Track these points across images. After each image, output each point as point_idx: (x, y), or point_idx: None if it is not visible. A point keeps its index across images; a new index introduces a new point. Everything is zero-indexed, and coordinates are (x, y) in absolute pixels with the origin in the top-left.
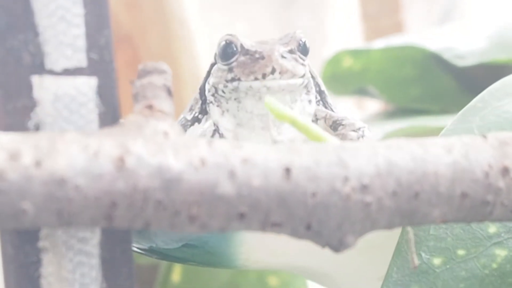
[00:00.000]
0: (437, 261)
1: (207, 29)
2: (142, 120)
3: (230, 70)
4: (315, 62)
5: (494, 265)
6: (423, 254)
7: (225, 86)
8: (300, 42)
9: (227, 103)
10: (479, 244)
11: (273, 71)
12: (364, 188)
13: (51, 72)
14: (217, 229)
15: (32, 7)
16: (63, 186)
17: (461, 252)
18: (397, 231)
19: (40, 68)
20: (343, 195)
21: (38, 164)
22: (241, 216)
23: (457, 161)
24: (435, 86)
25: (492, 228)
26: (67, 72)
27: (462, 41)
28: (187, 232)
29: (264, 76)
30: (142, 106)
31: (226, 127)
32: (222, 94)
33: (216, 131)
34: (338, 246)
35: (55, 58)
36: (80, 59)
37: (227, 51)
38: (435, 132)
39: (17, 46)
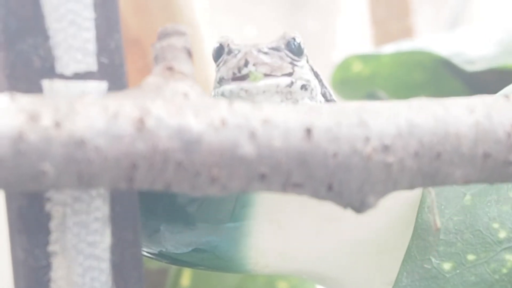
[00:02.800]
0: (447, 266)
1: (216, 32)
2: (162, 82)
3: (218, 70)
4: (324, 67)
5: (504, 270)
6: (433, 259)
7: (217, 91)
8: (291, 41)
9: None
10: (489, 249)
11: (246, 63)
12: (385, 148)
13: (62, 76)
14: (238, 190)
15: (42, 10)
16: (82, 147)
17: (471, 257)
18: (408, 235)
19: (51, 72)
20: (364, 155)
21: (57, 125)
22: (262, 177)
23: (479, 122)
24: (444, 91)
25: (502, 233)
26: (78, 76)
27: (471, 46)
28: (206, 194)
29: (239, 69)
30: (161, 67)
31: None
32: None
33: None
34: (359, 206)
35: (65, 62)
36: (90, 63)
37: (219, 53)
38: None
39: (27, 50)
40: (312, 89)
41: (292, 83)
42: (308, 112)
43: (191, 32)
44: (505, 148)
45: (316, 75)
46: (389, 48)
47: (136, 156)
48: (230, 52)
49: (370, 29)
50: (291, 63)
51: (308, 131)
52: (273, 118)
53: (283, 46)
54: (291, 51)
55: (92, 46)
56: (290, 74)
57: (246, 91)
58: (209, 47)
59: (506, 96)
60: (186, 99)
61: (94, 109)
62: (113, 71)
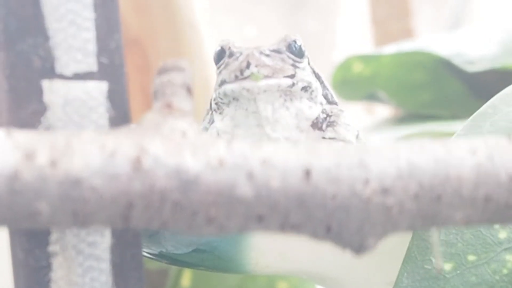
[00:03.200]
0: (447, 266)
1: (217, 32)
2: (160, 119)
3: (220, 73)
4: (325, 67)
5: (505, 271)
6: (433, 260)
7: (219, 93)
8: (292, 43)
9: (227, 107)
10: (489, 250)
11: (248, 65)
12: (385, 190)
13: (62, 77)
14: (235, 231)
15: (42, 11)
16: (78, 186)
17: (471, 257)
18: (408, 236)
19: (51, 72)
20: (363, 197)
21: (53, 164)
22: (260, 218)
23: (481, 164)
24: (445, 91)
25: (502, 234)
26: (78, 76)
27: (472, 46)
28: (202, 235)
29: (241, 72)
30: (160, 104)
31: (224, 130)
32: (220, 100)
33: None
34: (358, 248)
35: (65, 62)
36: (90, 63)
37: (221, 56)
38: (445, 137)
39: (27, 50)
40: (312, 91)
41: (293, 84)
42: (308, 152)
43: (190, 32)
44: (507, 191)
45: (318, 76)
46: (390, 49)
47: (133, 196)
48: (231, 55)
49: (371, 29)
50: (292, 65)
51: (307, 172)
52: (272, 158)
53: (284, 49)
54: (292, 53)
55: (92, 46)
56: (291, 76)
57: (247, 90)
58: (209, 47)
59: (509, 138)
60: (184, 137)
61: (91, 147)
62: (113, 71)
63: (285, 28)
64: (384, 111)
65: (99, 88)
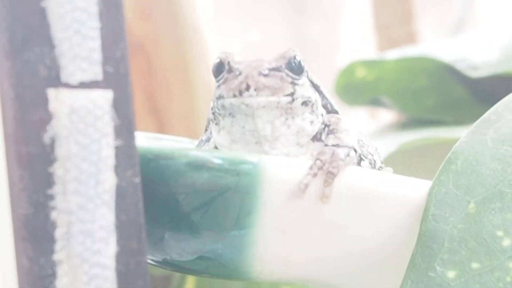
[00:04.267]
0: (451, 274)
1: (221, 36)
2: None
3: (218, 87)
4: (328, 71)
5: (508, 279)
6: (437, 267)
7: (216, 104)
8: (292, 60)
9: (223, 119)
10: (493, 258)
11: (247, 88)
12: None
13: (67, 85)
14: None
15: (48, 20)
16: None
17: (475, 265)
18: (412, 244)
19: (56, 81)
20: None
21: None
22: None
23: None
24: (448, 96)
25: (506, 242)
26: (83, 85)
27: (475, 52)
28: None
29: (240, 92)
30: None
31: (222, 144)
32: (217, 111)
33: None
34: None
35: (71, 71)
36: (95, 72)
37: (220, 69)
38: (449, 143)
39: (33, 59)
40: (312, 104)
41: (293, 100)
42: None
43: (194, 37)
44: None
45: (317, 87)
46: (393, 54)
47: None
48: (230, 70)
49: (374, 34)
50: (291, 82)
51: None
52: None
53: (283, 66)
54: (291, 70)
55: (97, 55)
56: (291, 94)
57: (246, 105)
58: (213, 51)
59: None
60: None
61: None
62: (118, 80)
63: (289, 32)
64: (387, 116)
65: (104, 97)
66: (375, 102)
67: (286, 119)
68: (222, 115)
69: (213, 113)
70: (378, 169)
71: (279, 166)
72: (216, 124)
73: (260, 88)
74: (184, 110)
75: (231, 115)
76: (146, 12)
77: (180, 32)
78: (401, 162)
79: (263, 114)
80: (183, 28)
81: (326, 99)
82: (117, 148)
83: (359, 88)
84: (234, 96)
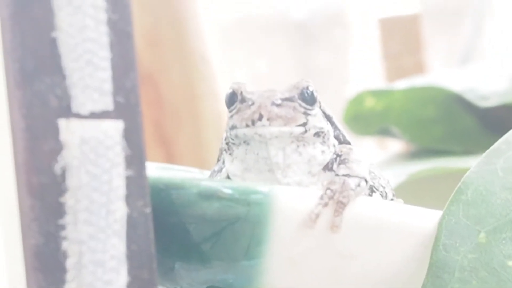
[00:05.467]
0: None
1: (229, 66)
2: None
3: (231, 117)
4: (337, 101)
5: None
6: None
7: (230, 134)
8: (305, 90)
9: (237, 149)
10: (503, 287)
11: (260, 117)
12: None
13: (78, 116)
14: None
15: (59, 50)
16: None
17: None
18: (422, 273)
19: (67, 111)
20: None
21: None
22: None
23: None
24: (457, 126)
25: None
26: (94, 115)
27: (484, 81)
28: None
29: (253, 122)
30: None
31: (235, 173)
32: (231, 141)
33: (227, 178)
34: None
35: (81, 102)
36: (106, 103)
37: (232, 99)
38: (458, 173)
39: (44, 89)
40: (324, 135)
41: (305, 131)
42: None
43: (202, 66)
44: None
45: (329, 118)
46: (402, 84)
47: None
48: (243, 100)
49: (382, 64)
50: (304, 113)
51: None
52: None
53: (296, 96)
54: (304, 100)
55: (108, 86)
56: (304, 124)
57: (260, 135)
58: (221, 81)
59: None
60: None
61: None
62: (129, 110)
63: (297, 62)
64: (396, 146)
65: (115, 127)
66: (384, 132)
67: (298, 146)
68: (236, 145)
69: (227, 143)
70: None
71: (290, 196)
72: (229, 154)
73: (273, 118)
74: (192, 140)
75: (246, 142)
76: (155, 42)
77: (188, 62)
78: (410, 192)
79: (275, 144)
80: (191, 58)
81: (338, 130)
82: (128, 178)
83: (368, 118)
84: (247, 126)
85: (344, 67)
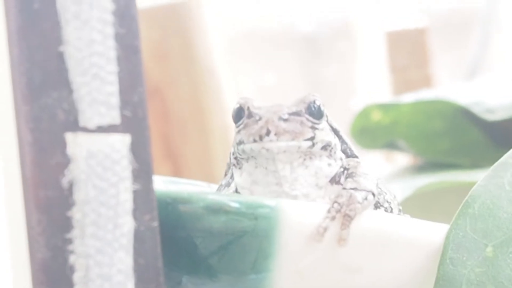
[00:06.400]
0: None
1: (236, 79)
2: None
3: (238, 132)
4: (344, 114)
5: None
6: None
7: (237, 149)
8: (312, 104)
9: (246, 163)
10: None
11: (268, 133)
12: None
13: (85, 130)
14: None
15: (66, 64)
16: None
17: None
18: (431, 280)
19: (74, 125)
20: None
21: None
22: None
23: None
24: (465, 140)
25: None
26: (101, 129)
27: (491, 95)
28: None
29: (260, 137)
30: None
31: (243, 186)
32: (239, 156)
33: (236, 191)
34: None
35: (89, 116)
36: (113, 117)
37: (239, 115)
38: (465, 187)
39: (51, 103)
40: (331, 148)
41: (313, 145)
42: None
43: (210, 80)
44: None
45: (336, 132)
46: (409, 97)
47: None
48: (250, 116)
49: (389, 77)
50: (311, 127)
51: None
52: None
53: (303, 111)
54: (311, 114)
55: (115, 100)
56: (311, 138)
57: (267, 150)
58: (229, 94)
59: None
60: None
61: None
62: (136, 124)
63: (304, 75)
64: (403, 159)
65: (122, 141)
66: (391, 145)
67: (304, 159)
68: (245, 159)
69: (235, 158)
70: None
71: (297, 210)
72: (239, 168)
73: (280, 133)
74: (200, 153)
75: (253, 157)
76: (162, 56)
77: (196, 75)
78: (417, 205)
79: (283, 158)
80: (198, 72)
81: (346, 143)
82: (135, 192)
83: (375, 131)
84: (255, 141)
85: (351, 80)
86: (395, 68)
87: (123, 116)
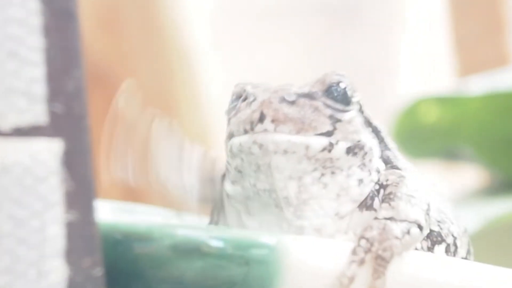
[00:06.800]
0: None
1: (222, 63)
2: None
3: (229, 123)
4: (381, 109)
5: None
6: None
7: (227, 150)
8: (334, 87)
9: (239, 172)
10: None
11: (261, 118)
12: None
13: None
14: None
15: None
16: None
17: None
18: None
19: None
20: None
21: None
22: None
23: None
24: None
25: None
26: (19, 132)
27: None
28: None
29: (252, 125)
30: None
31: (235, 198)
32: (228, 163)
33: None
34: None
35: (1, 112)
36: (38, 114)
37: (236, 105)
38: None
39: None
40: (365, 153)
41: (331, 145)
42: None
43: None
44: None
45: (376, 131)
46: (479, 85)
47: None
48: (245, 98)
49: (451, 55)
50: (331, 117)
51: None
52: None
53: (320, 93)
54: (333, 99)
55: (41, 89)
56: (329, 133)
57: (260, 145)
58: (210, 85)
59: None
60: None
61: None
62: (71, 125)
63: (325, 50)
64: (469, 175)
65: (50, 149)
66: (451, 154)
67: (322, 174)
68: (237, 169)
69: (227, 168)
70: None
71: (307, 250)
72: (231, 182)
73: (279, 119)
74: None
75: (245, 161)
76: (112, 26)
77: (160, 56)
78: (490, 243)
79: (283, 165)
80: (164, 51)
81: (388, 149)
82: (69, 225)
83: (429, 134)
84: (245, 131)
85: (394, 59)
86: (460, 42)
87: (51, 113)
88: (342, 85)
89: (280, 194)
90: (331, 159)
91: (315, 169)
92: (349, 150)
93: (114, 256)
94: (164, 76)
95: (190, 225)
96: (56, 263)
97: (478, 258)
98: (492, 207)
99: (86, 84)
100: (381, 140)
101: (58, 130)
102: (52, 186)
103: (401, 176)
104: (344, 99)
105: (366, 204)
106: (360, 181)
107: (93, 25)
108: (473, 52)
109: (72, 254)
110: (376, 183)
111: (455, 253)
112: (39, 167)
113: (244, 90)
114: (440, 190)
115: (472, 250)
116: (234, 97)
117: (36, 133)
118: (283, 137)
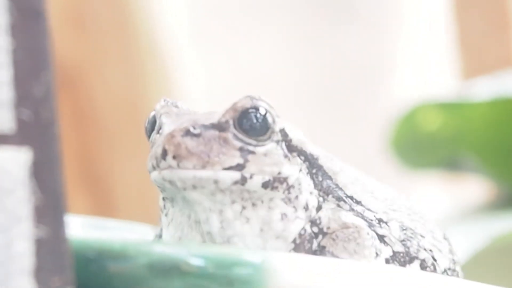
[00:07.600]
0: None
1: (200, 60)
2: None
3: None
4: (373, 114)
5: None
6: None
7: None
8: (247, 114)
9: (171, 207)
10: None
11: (163, 154)
12: None
13: None
14: None
15: None
16: None
17: None
18: None
19: None
20: None
21: None
22: None
23: None
24: None
25: None
26: None
27: None
28: None
29: (157, 161)
30: None
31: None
32: (162, 195)
33: None
34: None
35: None
36: (3, 120)
37: (153, 128)
38: None
39: None
40: (289, 187)
41: (244, 178)
42: None
43: (154, 63)
44: None
45: (310, 159)
46: (484, 89)
47: None
48: (160, 127)
49: (454, 54)
50: (241, 149)
51: None
52: None
53: (231, 123)
54: (244, 129)
55: (6, 93)
56: (240, 167)
57: (169, 182)
58: (188, 84)
59: None
60: None
61: None
62: (40, 132)
63: (314, 48)
64: (473, 187)
65: (17, 159)
66: (453, 165)
67: (243, 207)
68: (169, 200)
69: (163, 197)
70: (444, 273)
71: (296, 270)
72: (165, 215)
73: (181, 155)
74: (139, 176)
75: (169, 196)
76: (83, 25)
77: (133, 54)
78: (495, 262)
79: (199, 198)
80: (137, 49)
81: (329, 177)
82: (38, 242)
83: (429, 143)
84: (153, 168)
85: (389, 58)
86: (463, 40)
87: (18, 120)
88: (260, 112)
89: (204, 228)
90: (248, 191)
91: (233, 201)
92: (267, 184)
93: (86, 275)
94: (136, 76)
95: (168, 242)
96: (23, 282)
97: (483, 278)
98: (498, 222)
99: (55, 88)
100: (318, 168)
101: (26, 138)
102: (20, 199)
103: (345, 226)
104: (260, 128)
105: (304, 248)
106: (284, 215)
107: (61, 23)
108: (477, 52)
109: (41, 273)
110: (316, 225)
111: (434, 265)
112: (5, 179)
113: (160, 116)
114: (412, 202)
115: (457, 259)
116: (151, 115)
117: (2, 141)
118: (187, 173)
